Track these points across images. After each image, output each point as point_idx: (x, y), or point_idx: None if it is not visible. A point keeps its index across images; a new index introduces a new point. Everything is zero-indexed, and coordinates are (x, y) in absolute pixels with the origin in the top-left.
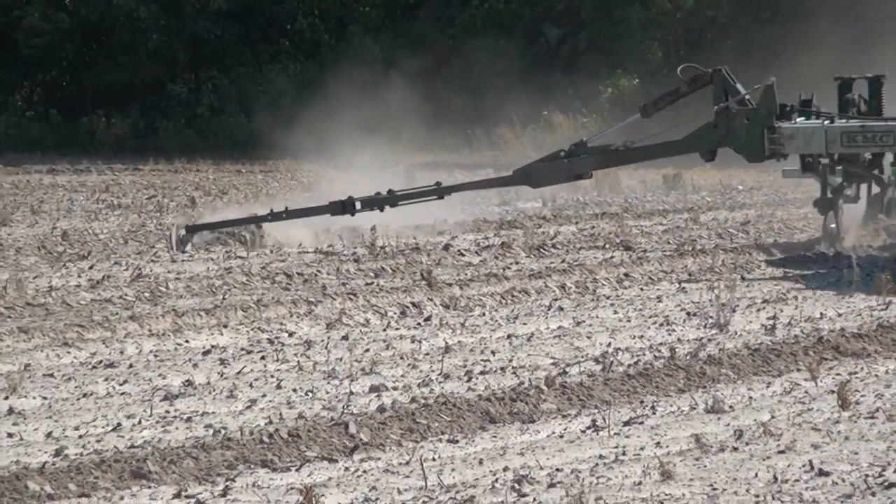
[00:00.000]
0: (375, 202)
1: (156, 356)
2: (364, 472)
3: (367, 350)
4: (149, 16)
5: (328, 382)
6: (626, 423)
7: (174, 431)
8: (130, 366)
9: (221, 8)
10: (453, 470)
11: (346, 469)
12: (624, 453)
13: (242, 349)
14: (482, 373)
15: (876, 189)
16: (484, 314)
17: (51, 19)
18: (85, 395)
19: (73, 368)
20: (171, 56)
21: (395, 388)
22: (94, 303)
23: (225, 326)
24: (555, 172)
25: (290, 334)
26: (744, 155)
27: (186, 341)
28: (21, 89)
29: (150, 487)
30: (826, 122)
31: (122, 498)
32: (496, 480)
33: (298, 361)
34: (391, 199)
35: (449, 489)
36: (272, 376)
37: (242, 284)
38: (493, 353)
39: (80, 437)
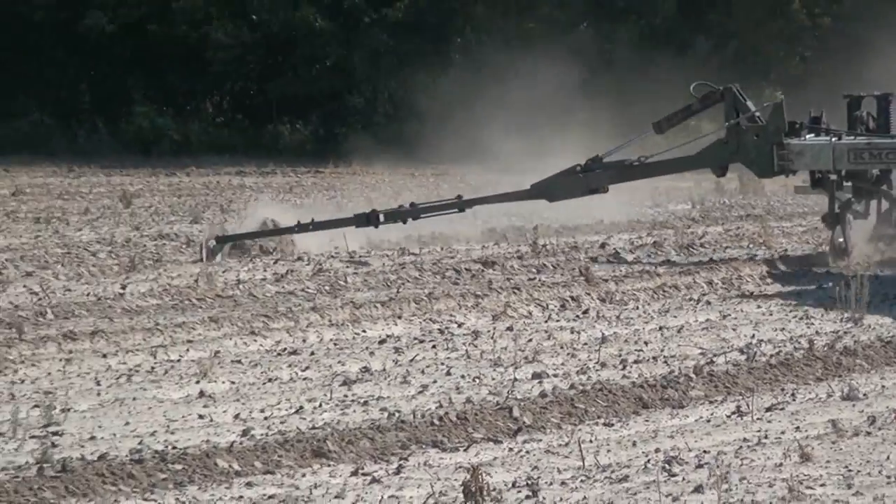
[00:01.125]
0: (398, 215)
1: (335, 344)
2: (527, 452)
3: (530, 340)
4: (328, 30)
5: (494, 370)
6: (768, 409)
7: (352, 414)
8: (312, 353)
9: (398, 21)
10: (609, 451)
11: (510, 449)
12: (766, 437)
13: (415, 338)
14: (636, 362)
15: (885, 205)
16: (637, 307)
17: (236, 34)
18: (270, 380)
19: (259, 355)
20: (350, 68)
21: (555, 376)
22: (279, 295)
23: (399, 317)
24: (571, 187)
25: (459, 325)
26: (753, 170)
27: (364, 331)
28: (211, 98)
29: (329, 465)
30: (834, 140)
31: (303, 475)
32: (648, 461)
33: (466, 350)
34: (413, 213)
35: (604, 469)
36: (442, 364)
37: (415, 279)
38: (645, 343)
39: (266, 418)
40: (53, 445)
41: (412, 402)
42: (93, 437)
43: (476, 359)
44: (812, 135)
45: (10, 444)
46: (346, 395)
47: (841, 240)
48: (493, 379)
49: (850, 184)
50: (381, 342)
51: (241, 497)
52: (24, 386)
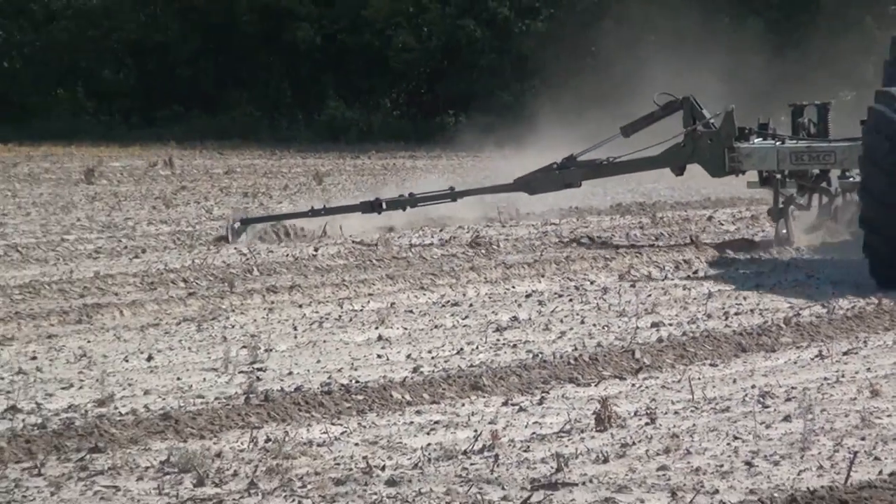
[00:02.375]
0: (398, 203)
1: (489, 298)
2: (646, 387)
3: (649, 295)
4: (484, 38)
5: (619, 319)
6: (845, 353)
7: (503, 355)
8: (470, 305)
9: (540, 31)
10: (713, 387)
11: (633, 385)
12: (843, 376)
13: (555, 293)
14: (736, 313)
15: (825, 199)
16: (737, 269)
17: (412, 43)
18: (436, 327)
19: (427, 306)
20: (501, 70)
21: (670, 325)
22: (443, 257)
23: (542, 276)
24: (549, 182)
25: (591, 282)
26: (708, 170)
27: (513, 287)
28: (390, 95)
29: (484, 397)
30: (778, 144)
31: (463, 405)
32: (745, 395)
33: (597, 303)
34: (411, 201)
35: (710, 401)
36: (577, 314)
37: (555, 244)
38: (744, 298)
39: (432, 358)
40: (258, 379)
41: (552, 346)
42: (290, 373)
43: (605, 310)
44: (759, 139)
45: (222, 378)
46: (498, 340)
47: (784, 231)
48: (619, 327)
49: (792, 181)
50: (528, 296)
51: (411, 423)
52: (234, 330)
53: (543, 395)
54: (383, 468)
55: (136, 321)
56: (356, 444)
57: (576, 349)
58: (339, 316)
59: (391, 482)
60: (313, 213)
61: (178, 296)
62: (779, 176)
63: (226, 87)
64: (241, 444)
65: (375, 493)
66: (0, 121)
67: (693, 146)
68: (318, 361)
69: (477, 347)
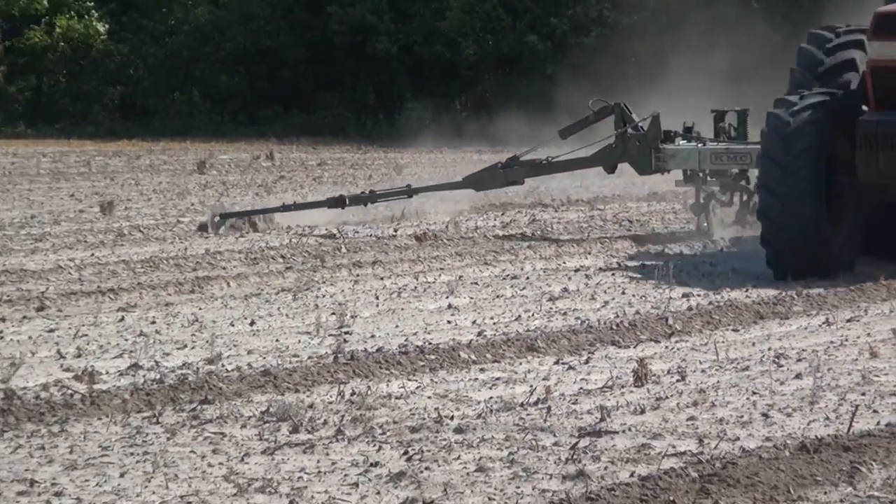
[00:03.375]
0: (360, 199)
1: (544, 272)
2: (677, 349)
3: (681, 270)
4: (544, 50)
5: (654, 290)
6: (848, 321)
7: (555, 321)
8: (527, 278)
9: (592, 44)
10: (735, 349)
11: (666, 347)
12: (846, 340)
13: (600, 268)
14: (754, 286)
15: (745, 196)
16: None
17: (479, 52)
18: (498, 297)
19: (490, 279)
20: (558, 78)
21: (698, 295)
22: (504, 238)
23: (589, 253)
24: (494, 179)
25: (631, 259)
26: (636, 169)
27: (564, 262)
28: (459, 98)
29: (538, 357)
30: (700, 145)
31: (520, 363)
32: (763, 356)
33: (636, 277)
34: (371, 198)
35: (732, 361)
36: (618, 286)
37: (600, 227)
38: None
39: (494, 323)
40: (345, 341)
41: (597, 313)
42: (372, 336)
43: (642, 283)
44: (684, 141)
45: (314, 340)
46: (550, 308)
47: (705, 224)
48: (654, 297)
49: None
50: (576, 271)
51: (476, 379)
52: (325, 299)
53: (589, 355)
54: (452, 418)
55: (240, 291)
56: (429, 397)
57: (617, 316)
58: (415, 287)
59: (458, 430)
60: (284, 208)
61: (277, 269)
62: (701, 174)
63: (320, 90)
64: (330, 396)
65: (445, 440)
66: (126, 120)
67: (623, 147)
68: (397, 326)
69: (532, 314)
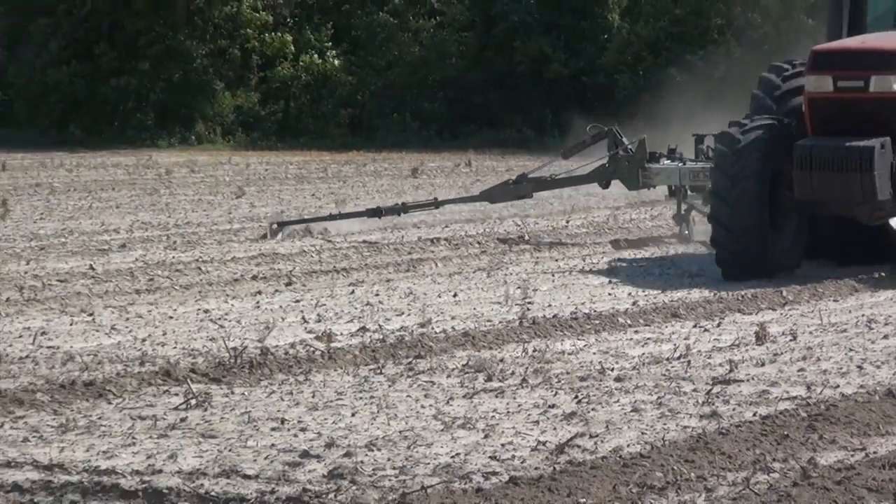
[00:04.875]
0: (394, 210)
1: (684, 254)
2: (790, 315)
3: None
4: (682, 81)
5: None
6: None
7: (693, 293)
8: (672, 259)
9: (718, 76)
10: (835, 315)
11: (781, 314)
12: None
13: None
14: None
15: None
16: None
17: (631, 83)
18: (648, 275)
19: (642, 261)
20: (639, 100)
21: (806, 276)
22: (653, 227)
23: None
24: (506, 193)
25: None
26: (626, 185)
27: (699, 248)
28: (616, 118)
29: (680, 322)
30: (681, 165)
31: (665, 327)
32: (857, 321)
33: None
34: (403, 208)
35: (833, 325)
36: None
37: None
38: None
39: (645, 295)
40: (528, 309)
41: (726, 287)
42: (549, 305)
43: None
44: (667, 161)
45: (503, 308)
46: (689, 282)
47: (686, 232)
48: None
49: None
50: (709, 253)
51: (631, 339)
52: (512, 277)
53: (720, 320)
54: (612, 369)
55: (445, 270)
56: (594, 353)
57: (742, 289)
58: (582, 268)
59: (617, 379)
60: (331, 217)
61: (474, 253)
62: (683, 189)
63: (506, 111)
64: (516, 353)
65: (607, 387)
66: (355, 135)
67: (615, 166)
68: (568, 297)
69: (675, 288)
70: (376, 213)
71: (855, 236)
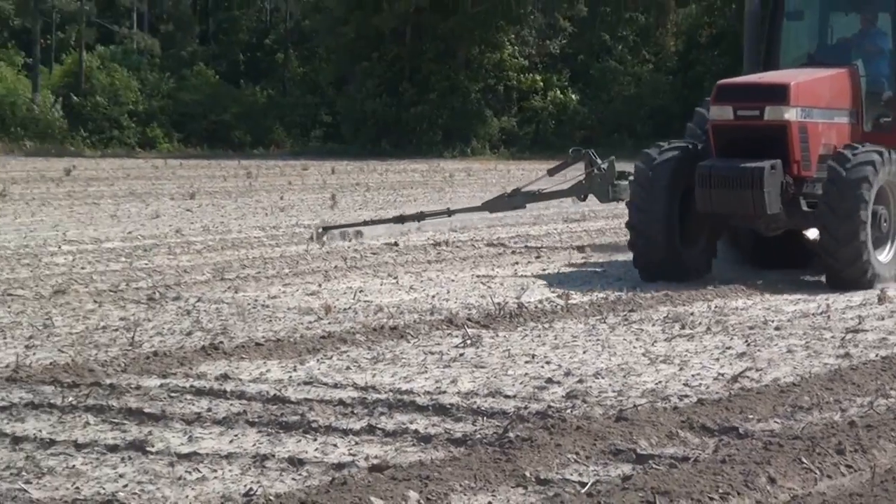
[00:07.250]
0: (413, 217)
1: None
2: (821, 289)
3: None
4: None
5: None
6: None
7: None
8: None
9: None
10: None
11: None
12: None
13: None
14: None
15: None
16: None
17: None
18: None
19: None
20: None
21: None
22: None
23: None
24: (502, 205)
25: None
26: (598, 199)
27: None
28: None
29: (821, 288)
30: None
31: (807, 292)
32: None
33: None
34: (420, 216)
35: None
36: None
37: None
38: None
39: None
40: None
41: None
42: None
43: None
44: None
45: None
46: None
47: None
48: None
49: None
50: None
51: (787, 299)
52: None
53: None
54: (773, 321)
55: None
56: (759, 310)
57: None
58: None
59: (777, 328)
60: (365, 223)
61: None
62: None
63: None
64: (702, 308)
65: (768, 334)
66: (585, 149)
67: (590, 182)
68: (740, 268)
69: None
70: (400, 220)
71: (787, 246)
